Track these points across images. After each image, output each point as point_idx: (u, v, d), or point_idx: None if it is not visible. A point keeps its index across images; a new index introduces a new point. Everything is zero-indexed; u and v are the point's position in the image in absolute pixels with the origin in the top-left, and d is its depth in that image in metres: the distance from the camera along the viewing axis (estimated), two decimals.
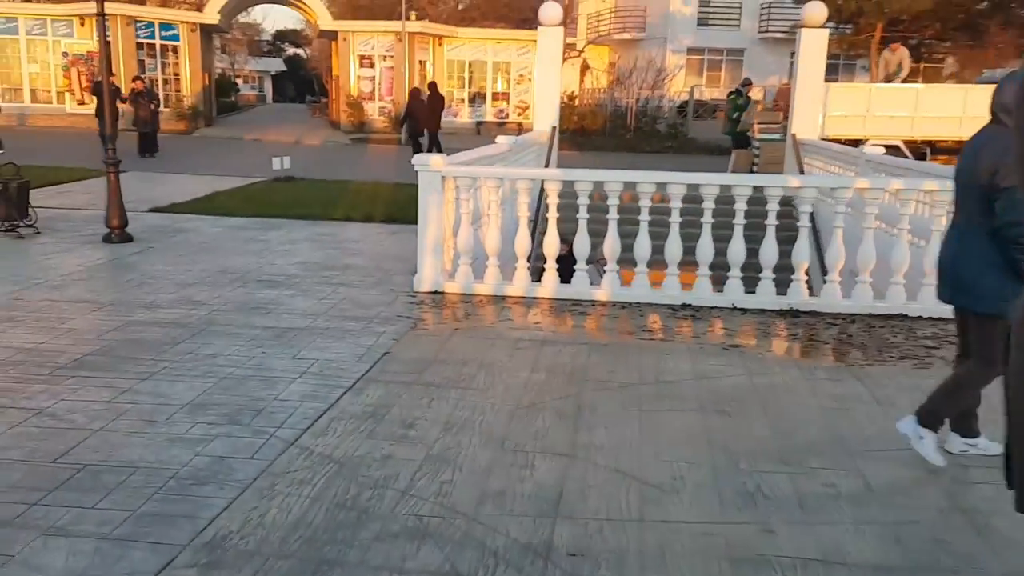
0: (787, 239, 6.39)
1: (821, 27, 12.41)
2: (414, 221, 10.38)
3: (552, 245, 6.46)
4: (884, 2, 20.49)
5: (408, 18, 25.91)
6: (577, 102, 27.16)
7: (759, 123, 14.35)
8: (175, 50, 27.03)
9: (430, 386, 4.41)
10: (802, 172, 12.12)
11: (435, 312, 6.02)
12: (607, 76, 31.31)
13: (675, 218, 6.25)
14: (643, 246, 6.33)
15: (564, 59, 28.63)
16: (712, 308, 6.24)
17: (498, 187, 6.48)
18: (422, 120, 19.07)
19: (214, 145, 22.50)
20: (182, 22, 26.96)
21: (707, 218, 6.24)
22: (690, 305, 6.27)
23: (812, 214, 6.17)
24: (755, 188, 6.24)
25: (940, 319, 5.99)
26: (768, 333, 5.67)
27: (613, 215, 6.32)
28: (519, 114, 28.35)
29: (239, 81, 64.15)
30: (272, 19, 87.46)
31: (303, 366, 4.67)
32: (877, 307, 6.15)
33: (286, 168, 14.49)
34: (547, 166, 12.82)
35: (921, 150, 13.63)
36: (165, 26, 26.68)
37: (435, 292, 6.53)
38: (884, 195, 6.37)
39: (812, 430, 3.94)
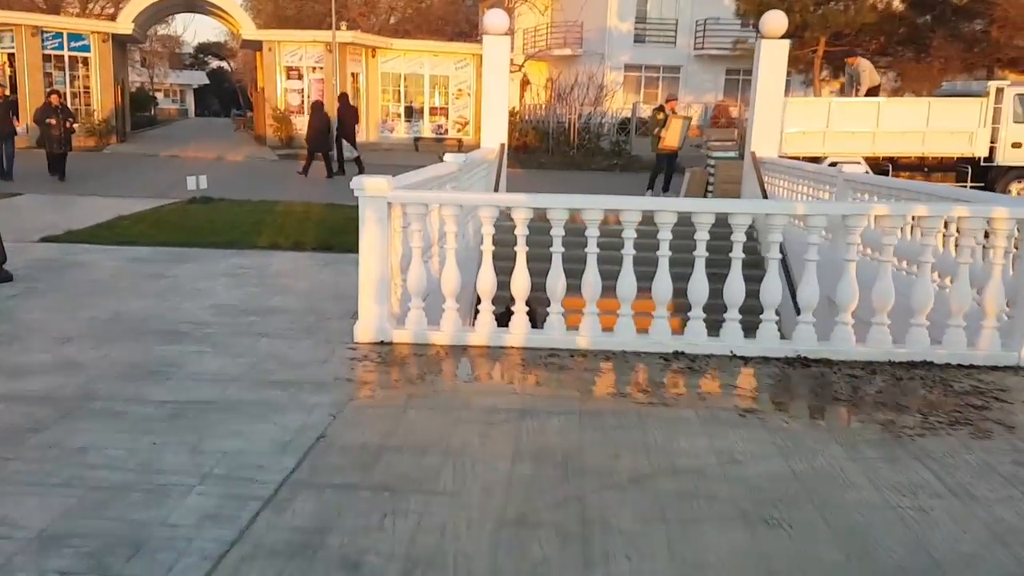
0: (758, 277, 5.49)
1: (782, 38, 11.78)
2: (351, 248, 9.21)
3: (521, 283, 5.42)
4: (828, 15, 20.27)
5: (339, 28, 24.63)
6: (518, 118, 26.29)
7: (712, 140, 13.65)
8: (85, 62, 25.12)
9: (381, 491, 3.29)
10: (764, 193, 11.43)
11: (382, 371, 4.89)
12: (546, 92, 30.60)
13: (664, 251, 5.29)
14: (627, 284, 5.35)
15: None
16: (709, 356, 5.29)
17: (456, 216, 5.41)
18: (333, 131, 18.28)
19: (126, 163, 20.77)
20: (93, 32, 25.08)
21: (700, 251, 5.30)
22: (684, 353, 5.30)
23: (781, 244, 5.29)
24: (753, 216, 5.34)
25: (971, 367, 5.18)
26: (784, 391, 4.74)
27: (592, 248, 5.32)
28: (458, 130, 27.35)
29: (159, 95, 61.60)
30: (193, 30, 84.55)
31: (206, 464, 3.50)
32: (897, 353, 5.30)
33: (203, 188, 13.10)
34: (496, 187, 11.83)
35: (883, 167, 13.15)
36: (74, 36, 24.77)
37: (381, 343, 5.40)
38: (867, 221, 5.55)
39: (896, 548, 2.98)
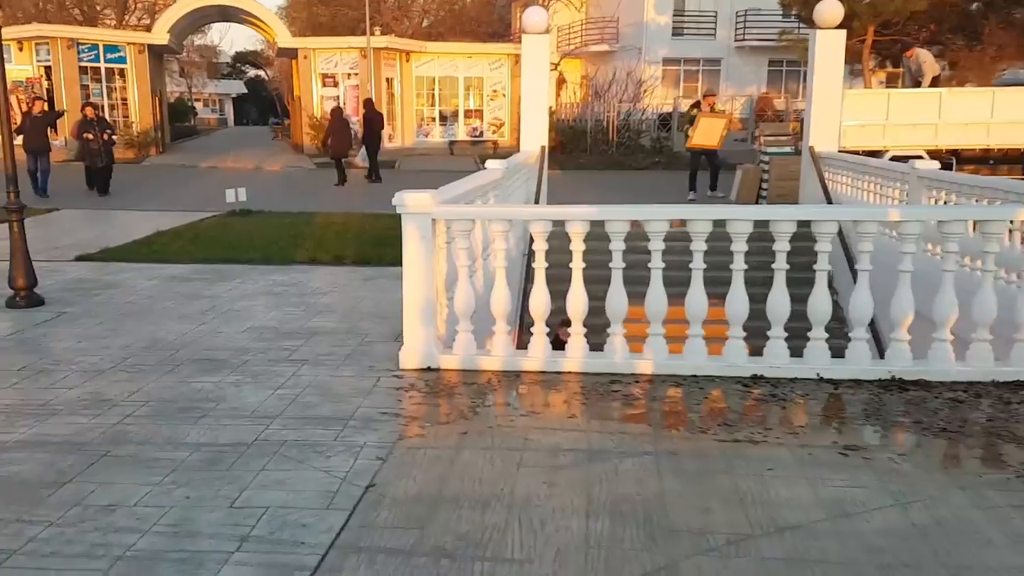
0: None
1: (838, 27, 11.15)
2: (392, 262, 8.84)
3: (578, 303, 4.97)
4: (878, 4, 19.44)
5: (372, 34, 24.41)
6: (555, 117, 25.81)
7: (766, 135, 13.04)
8: (122, 73, 25.26)
9: (440, 557, 2.87)
10: (826, 191, 10.80)
11: (431, 403, 4.48)
12: (582, 89, 30.06)
13: (738, 265, 4.80)
14: (696, 301, 4.87)
15: None
16: (792, 381, 4.78)
17: (505, 232, 4.98)
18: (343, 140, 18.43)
19: (165, 175, 20.76)
20: (129, 43, 25.20)
21: (780, 263, 4.79)
22: (763, 378, 4.81)
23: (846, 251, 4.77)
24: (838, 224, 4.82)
25: None
26: (885, 421, 4.21)
27: (657, 263, 4.86)
28: (493, 131, 26.96)
29: (198, 104, 62.36)
30: (230, 39, 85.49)
31: (245, 522, 3.12)
32: (1002, 372, 4.75)
33: (241, 200, 12.87)
34: (538, 193, 11.39)
35: (946, 160, 12.41)
36: (110, 48, 24.91)
37: (427, 369, 5.00)
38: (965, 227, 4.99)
39: None
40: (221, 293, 7.29)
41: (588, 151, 22.64)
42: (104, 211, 13.79)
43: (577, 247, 4.90)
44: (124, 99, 25.55)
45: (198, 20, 29.12)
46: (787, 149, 12.84)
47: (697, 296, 4.87)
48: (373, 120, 19.51)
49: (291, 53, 26.58)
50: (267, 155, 26.98)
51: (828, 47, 11.18)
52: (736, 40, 34.72)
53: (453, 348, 5.08)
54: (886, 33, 21.52)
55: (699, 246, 4.81)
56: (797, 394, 4.58)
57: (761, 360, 4.87)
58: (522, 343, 5.21)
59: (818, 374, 4.81)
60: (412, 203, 4.88)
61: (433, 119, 26.94)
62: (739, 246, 4.76)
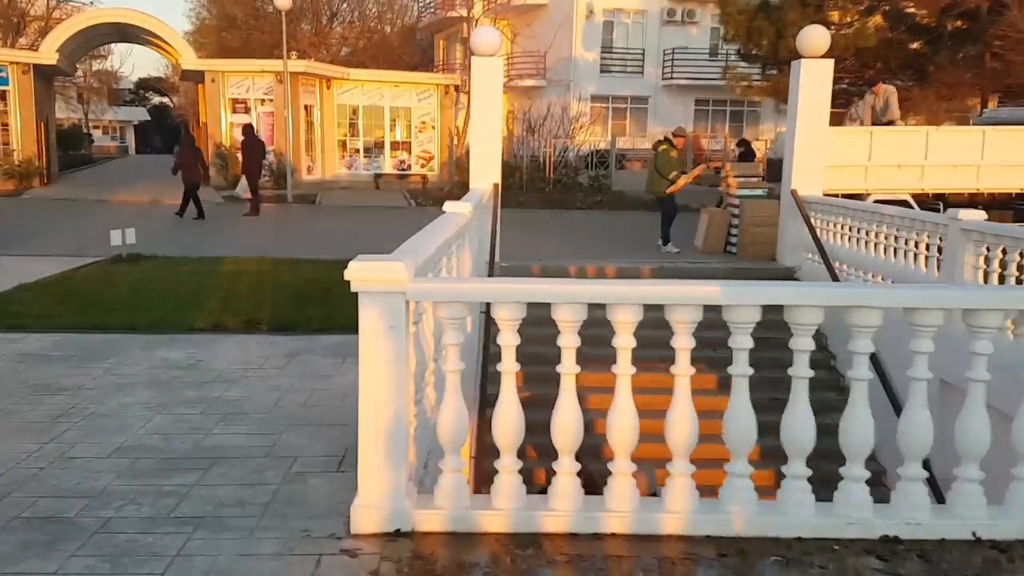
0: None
1: (824, 56, 10.06)
2: (322, 327, 7.04)
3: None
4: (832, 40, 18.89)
5: (289, 58, 22.43)
6: None
7: (735, 176, 11.83)
8: (3, 96, 22.44)
9: None
10: (816, 239, 9.57)
11: None
12: (509, 124, 28.74)
13: (860, 374, 3.26)
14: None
15: (470, 106, 25.86)
16: (940, 543, 3.25)
17: (515, 319, 3.30)
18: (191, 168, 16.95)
19: (46, 210, 18.15)
20: (11, 63, 22.41)
21: (920, 370, 3.28)
22: (899, 540, 3.25)
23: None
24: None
25: None
26: None
27: (743, 369, 3.26)
28: (422, 165, 25.25)
29: (97, 131, 58.57)
30: (131, 63, 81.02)
31: None
32: None
33: (130, 243, 10.76)
34: (493, 241, 9.74)
35: (933, 204, 11.48)
36: None
37: (396, 533, 3.24)
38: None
39: None
40: (86, 384, 5.32)
41: (524, 188, 21.21)
42: None
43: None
44: (5, 124, 22.70)
45: (93, 40, 26.47)
46: (759, 192, 11.65)
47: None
48: (254, 147, 17.83)
49: (197, 76, 24.30)
50: (168, 187, 24.37)
51: (814, 78, 10.09)
52: (664, 78, 34.32)
53: (435, 495, 3.35)
54: (837, 68, 21.05)
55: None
56: (957, 569, 3.04)
57: (889, 512, 3.32)
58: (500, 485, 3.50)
59: (974, 533, 3.29)
60: (376, 275, 3.15)
61: (357, 150, 25.03)
62: (862, 346, 3.22)
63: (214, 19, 41.16)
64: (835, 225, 9.33)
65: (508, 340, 3.29)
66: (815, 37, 9.82)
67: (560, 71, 32.88)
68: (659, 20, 33.90)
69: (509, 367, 3.30)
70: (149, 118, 67.32)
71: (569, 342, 3.25)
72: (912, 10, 20.20)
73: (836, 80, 21.84)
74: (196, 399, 5.03)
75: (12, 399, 4.97)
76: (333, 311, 7.45)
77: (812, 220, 9.73)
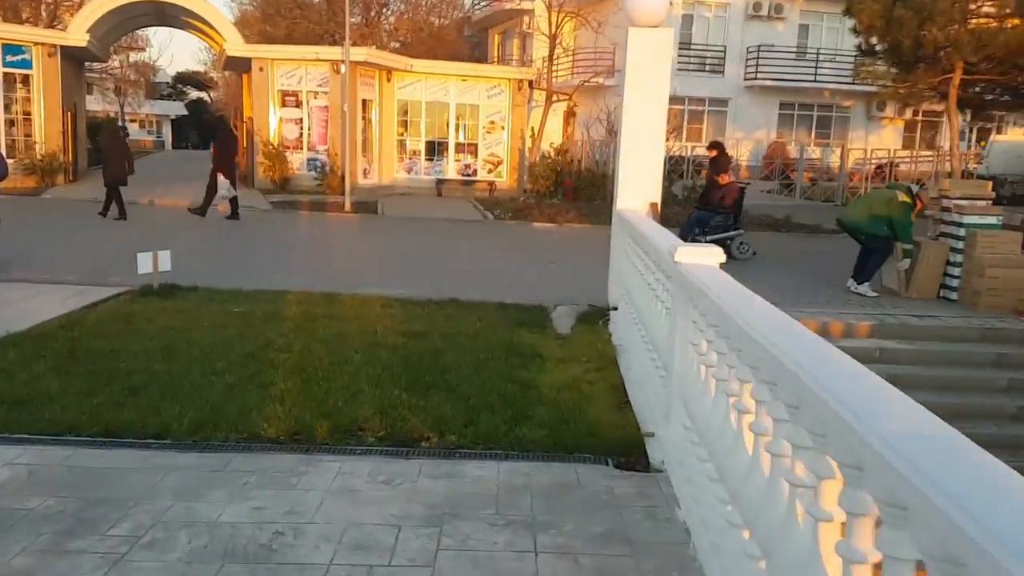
0: None
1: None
2: (460, 440, 4.14)
3: None
4: (984, 34, 15.84)
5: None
6: (568, 155, 21.52)
7: (961, 197, 8.85)
8: (25, 81, 20.02)
9: None
10: None
11: None
12: (571, 126, 25.96)
13: None
14: None
15: (547, 104, 23.03)
16: None
17: None
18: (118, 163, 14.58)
19: (66, 214, 15.60)
20: (36, 44, 19.97)
21: None
22: None
23: None
24: None
25: None
26: None
27: None
28: (489, 171, 22.39)
29: (133, 125, 56.73)
30: (171, 54, 79.02)
31: None
32: None
33: (163, 270, 8.06)
34: None
35: None
36: (11, 48, 19.66)
37: None
38: None
39: None
40: None
41: (610, 200, 18.31)
42: None
43: None
44: (27, 113, 20.28)
45: (128, 22, 24.02)
46: (994, 219, 8.68)
47: None
48: (229, 144, 15.47)
49: (243, 65, 21.71)
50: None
51: None
52: (746, 79, 31.22)
53: None
54: (973, 74, 17.97)
55: None
56: None
57: None
58: None
59: None
60: None
61: (416, 152, 22.24)
62: None
63: (257, 9, 38.81)
64: None
65: None
66: None
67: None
68: (743, 15, 30.80)
69: None
70: (186, 113, 65.47)
71: None
72: None
73: (989, 90, 18.80)
74: None
75: None
76: (460, 398, 4.74)
77: None
